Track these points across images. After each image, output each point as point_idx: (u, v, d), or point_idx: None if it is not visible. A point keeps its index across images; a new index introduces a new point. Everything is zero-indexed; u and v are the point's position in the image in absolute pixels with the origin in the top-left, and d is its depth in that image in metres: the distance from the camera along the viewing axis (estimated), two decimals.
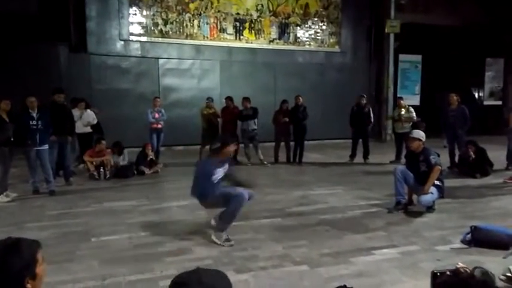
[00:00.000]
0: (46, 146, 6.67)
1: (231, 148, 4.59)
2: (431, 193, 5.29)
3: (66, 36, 11.57)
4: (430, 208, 5.42)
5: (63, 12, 11.55)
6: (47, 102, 7.26)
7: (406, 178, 5.49)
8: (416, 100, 15.19)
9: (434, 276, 2.21)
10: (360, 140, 9.84)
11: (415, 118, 9.44)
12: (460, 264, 2.15)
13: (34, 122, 6.48)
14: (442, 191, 5.50)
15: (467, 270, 2.01)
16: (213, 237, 4.32)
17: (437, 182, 5.36)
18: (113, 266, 3.73)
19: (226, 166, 4.56)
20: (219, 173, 4.44)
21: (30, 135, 6.43)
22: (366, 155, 9.83)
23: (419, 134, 5.60)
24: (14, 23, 10.78)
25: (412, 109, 9.58)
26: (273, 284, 3.36)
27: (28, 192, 6.60)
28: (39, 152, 6.55)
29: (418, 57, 15.84)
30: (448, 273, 1.98)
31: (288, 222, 5.08)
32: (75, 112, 8.53)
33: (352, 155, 9.93)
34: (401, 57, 15.40)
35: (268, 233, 4.64)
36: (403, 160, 9.44)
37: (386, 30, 14.14)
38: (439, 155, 5.76)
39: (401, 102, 9.66)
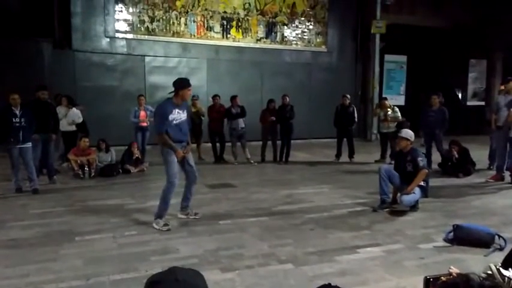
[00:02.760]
0: (29, 144, 6.57)
1: (187, 92, 4.82)
2: (414, 193, 5.36)
3: (50, 33, 11.40)
4: (413, 207, 5.48)
5: (47, 7, 11.37)
6: (31, 100, 7.15)
7: (390, 177, 5.56)
8: (401, 100, 15.38)
9: (427, 282, 2.12)
10: (345, 140, 9.93)
11: (400, 118, 9.56)
12: (453, 269, 2.12)
13: (17, 120, 6.38)
14: (425, 192, 5.59)
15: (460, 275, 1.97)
16: (153, 224, 4.73)
17: (421, 183, 5.44)
18: (97, 265, 3.69)
19: (185, 112, 4.89)
20: (176, 114, 4.76)
21: (13, 132, 6.33)
22: (351, 154, 9.91)
23: (408, 133, 5.66)
24: None
25: (397, 109, 9.70)
26: (258, 282, 3.38)
27: (11, 191, 6.50)
28: (22, 150, 6.45)
29: (403, 58, 16.03)
30: (442, 278, 1.97)
31: (274, 221, 5.10)
32: (61, 110, 8.42)
33: (338, 154, 10.01)
34: (387, 57, 15.56)
35: (254, 231, 4.65)
36: (387, 159, 9.60)
37: (372, 30, 14.26)
38: (425, 155, 5.85)
39: (386, 102, 9.77)
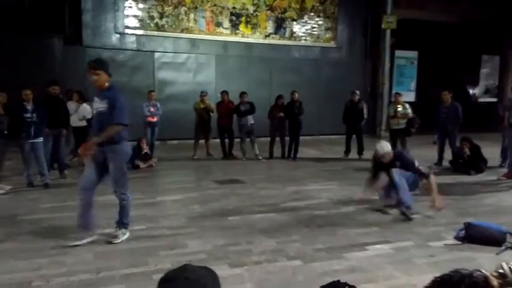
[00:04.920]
0: (40, 139, 6.63)
1: (89, 74, 4.07)
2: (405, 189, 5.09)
3: (61, 29, 11.47)
4: (405, 215, 5.00)
5: (58, 4, 11.45)
6: (42, 95, 7.21)
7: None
8: (411, 96, 15.23)
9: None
10: (354, 136, 9.88)
11: (410, 114, 9.46)
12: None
13: (29, 115, 6.44)
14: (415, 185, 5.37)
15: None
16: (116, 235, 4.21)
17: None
18: (107, 259, 3.72)
19: (104, 103, 4.05)
20: (94, 103, 4.19)
21: (24, 127, 6.39)
22: (360, 151, 9.85)
23: (384, 148, 5.32)
24: (8, 15, 10.67)
25: (407, 105, 9.60)
26: (266, 278, 3.38)
27: (22, 185, 6.57)
28: (34, 145, 6.52)
29: (414, 54, 15.86)
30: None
31: (282, 217, 5.09)
32: (71, 105, 8.48)
33: (347, 151, 9.96)
34: (397, 53, 15.42)
35: (262, 227, 4.65)
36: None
37: (382, 26, 14.13)
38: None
39: (399, 98, 9.68)
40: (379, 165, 5.36)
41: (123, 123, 4.09)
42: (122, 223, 4.29)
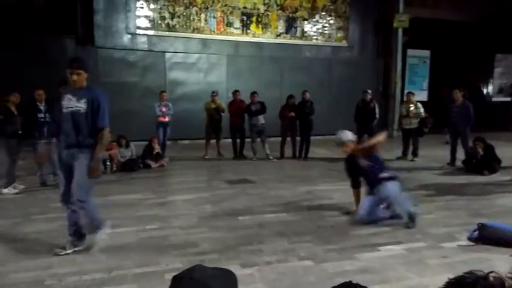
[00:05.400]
0: (53, 139, 6.69)
1: (68, 73, 3.74)
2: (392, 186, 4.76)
3: (73, 29, 11.59)
4: (397, 216, 4.74)
5: (70, 5, 11.57)
6: (55, 95, 7.28)
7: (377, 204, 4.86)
8: (424, 96, 15.08)
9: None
10: (366, 136, 9.80)
11: (423, 114, 9.38)
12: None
13: (42, 115, 6.52)
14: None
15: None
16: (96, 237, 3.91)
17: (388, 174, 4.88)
18: (119, 258, 3.75)
19: (82, 102, 3.72)
20: (67, 101, 3.73)
21: (37, 127, 6.46)
22: None
23: (348, 136, 5.18)
24: (21, 15, 10.82)
25: (420, 105, 9.51)
26: (278, 278, 3.37)
27: (35, 185, 6.65)
28: (47, 145, 6.58)
29: (426, 53, 15.70)
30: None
31: (293, 217, 5.07)
32: None
33: None
34: (410, 52, 15.28)
35: (273, 228, 4.64)
36: (409, 157, 9.44)
37: (394, 24, 14.01)
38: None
39: (411, 97, 9.59)
40: (354, 167, 5.06)
41: (108, 126, 3.83)
42: (82, 233, 3.92)
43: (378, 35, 14.86)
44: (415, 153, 9.49)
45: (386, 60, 14.86)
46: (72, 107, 3.72)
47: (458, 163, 8.38)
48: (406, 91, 12.16)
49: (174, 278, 1.20)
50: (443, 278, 2.19)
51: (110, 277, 3.38)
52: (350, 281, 2.24)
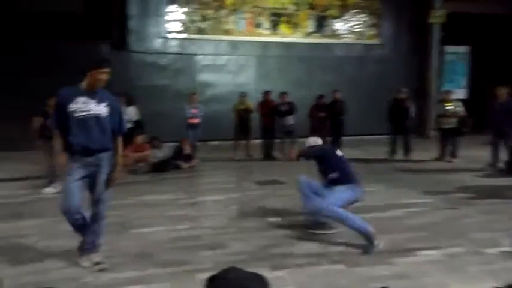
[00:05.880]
0: None
1: (95, 75, 3.46)
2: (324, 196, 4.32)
3: (108, 35, 11.88)
4: (317, 224, 4.41)
5: (106, 11, 11.86)
6: None
7: (313, 189, 4.64)
8: (463, 94, 14.51)
9: None
10: (401, 136, 9.53)
11: (462, 113, 9.01)
12: None
13: None
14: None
15: None
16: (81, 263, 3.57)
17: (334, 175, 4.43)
18: (151, 257, 3.77)
19: (103, 106, 3.48)
20: (80, 104, 3.40)
21: None
22: (406, 152, 9.48)
23: (310, 141, 5.01)
24: (61, 23, 11.18)
25: (459, 103, 9.15)
26: (309, 282, 3.28)
27: None
28: None
29: (465, 49, 15.11)
30: None
31: (325, 219, 4.95)
32: None
33: (392, 152, 9.62)
34: (447, 48, 14.74)
35: (304, 230, 4.54)
36: (447, 158, 9.09)
37: (430, 20, 13.57)
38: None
39: (449, 95, 9.24)
40: None
41: None
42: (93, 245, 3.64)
43: (412, 31, 14.43)
44: (453, 154, 9.13)
45: (421, 58, 14.41)
46: (93, 111, 3.42)
47: (501, 165, 7.99)
48: (443, 89, 11.74)
49: (209, 278, 1.21)
50: (486, 286, 2.03)
51: (143, 275, 3.41)
52: (387, 287, 2.13)
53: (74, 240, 3.73)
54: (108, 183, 3.57)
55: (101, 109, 3.47)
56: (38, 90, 6.96)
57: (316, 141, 4.98)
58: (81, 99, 3.40)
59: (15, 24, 10.71)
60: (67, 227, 3.96)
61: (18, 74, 10.30)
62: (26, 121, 6.66)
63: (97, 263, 3.53)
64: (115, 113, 3.56)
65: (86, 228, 3.56)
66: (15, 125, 8.76)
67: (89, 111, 3.41)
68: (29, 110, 6.63)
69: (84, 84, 3.48)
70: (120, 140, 3.66)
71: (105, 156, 3.53)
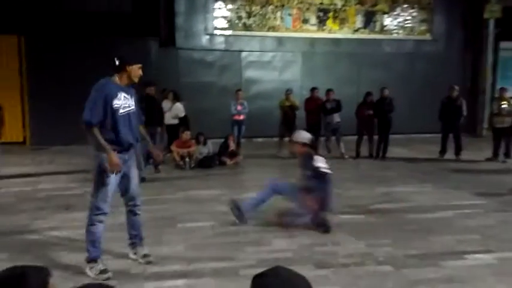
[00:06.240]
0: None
1: (137, 70, 3.51)
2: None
3: (156, 32, 12.24)
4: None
5: (154, 9, 12.22)
6: (139, 95, 7.72)
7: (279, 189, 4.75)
8: None
9: None
10: (451, 135, 9.17)
11: None
12: None
13: None
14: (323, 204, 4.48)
15: None
16: (87, 271, 3.41)
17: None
18: (196, 252, 3.88)
19: (133, 100, 3.53)
20: (123, 100, 3.39)
21: None
22: (457, 151, 9.11)
23: (300, 136, 4.85)
24: (111, 22, 11.65)
25: None
26: (354, 282, 3.25)
27: None
28: None
29: None
30: None
31: (371, 219, 4.89)
32: (166, 103, 9.02)
33: (443, 151, 9.27)
34: (503, 44, 13.96)
35: (349, 229, 4.50)
36: (501, 158, 8.66)
37: (485, 15, 12.90)
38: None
39: (505, 93, 8.78)
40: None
41: None
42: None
43: (466, 26, 13.79)
44: (508, 155, 8.68)
45: (475, 54, 13.75)
46: (129, 107, 3.46)
47: None
48: (498, 87, 11.14)
49: (258, 275, 1.25)
50: None
51: (189, 269, 3.51)
52: None
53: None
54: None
55: (133, 103, 3.51)
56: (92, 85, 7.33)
57: (308, 138, 4.84)
58: (122, 95, 3.40)
59: (71, 24, 11.26)
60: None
61: (74, 69, 10.82)
62: (80, 116, 6.99)
63: (145, 256, 3.66)
64: (136, 105, 3.59)
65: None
66: (70, 119, 9.27)
67: (129, 107, 3.45)
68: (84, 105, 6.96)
69: (118, 78, 3.44)
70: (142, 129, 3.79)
71: (133, 150, 3.57)
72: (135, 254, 3.69)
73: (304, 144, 4.73)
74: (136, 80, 3.53)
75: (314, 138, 9.36)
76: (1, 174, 7.09)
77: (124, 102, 3.39)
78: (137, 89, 7.27)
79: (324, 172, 4.50)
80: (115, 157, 3.25)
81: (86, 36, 11.14)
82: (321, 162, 4.55)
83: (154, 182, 6.98)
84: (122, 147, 3.39)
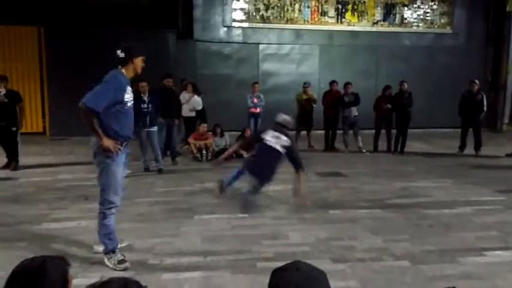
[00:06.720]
0: (155, 128, 7.20)
1: (140, 63, 3.45)
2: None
3: (174, 24, 12.28)
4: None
5: (172, 1, 12.26)
6: (157, 87, 7.79)
7: None
8: None
9: None
10: (471, 130, 9.00)
11: None
12: None
13: (145, 106, 7.00)
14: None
15: None
16: (105, 261, 3.42)
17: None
18: (213, 244, 3.91)
19: (131, 93, 3.47)
20: (130, 94, 3.39)
21: (141, 117, 6.94)
22: (477, 147, 8.95)
23: (280, 118, 5.37)
24: (129, 13, 11.72)
25: None
26: (371, 277, 3.24)
27: (140, 170, 7.20)
28: (149, 133, 7.09)
29: None
30: None
31: (388, 214, 4.85)
32: (185, 95, 9.06)
33: (462, 146, 9.13)
34: None
35: (366, 224, 4.48)
36: None
37: (507, 8, 12.59)
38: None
39: None
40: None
41: None
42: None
43: (487, 20, 13.47)
44: None
45: (496, 48, 13.44)
46: (132, 101, 3.47)
47: None
48: None
49: (277, 269, 1.26)
50: None
51: (206, 261, 3.54)
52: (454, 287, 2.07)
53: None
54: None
55: (132, 97, 3.47)
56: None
57: (289, 121, 5.42)
58: (129, 88, 3.39)
59: (90, 15, 11.37)
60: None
61: (93, 60, 10.93)
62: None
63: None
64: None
65: None
66: None
67: (132, 100, 3.44)
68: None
69: (125, 70, 3.39)
70: None
71: (129, 145, 3.57)
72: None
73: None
74: (139, 71, 3.48)
75: (331, 132, 9.41)
76: (21, 164, 7.26)
77: (130, 96, 3.39)
78: (155, 81, 7.32)
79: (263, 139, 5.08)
80: (108, 140, 3.24)
81: (104, 28, 11.23)
82: (269, 136, 5.09)
83: (171, 174, 7.05)
84: (124, 139, 3.40)
